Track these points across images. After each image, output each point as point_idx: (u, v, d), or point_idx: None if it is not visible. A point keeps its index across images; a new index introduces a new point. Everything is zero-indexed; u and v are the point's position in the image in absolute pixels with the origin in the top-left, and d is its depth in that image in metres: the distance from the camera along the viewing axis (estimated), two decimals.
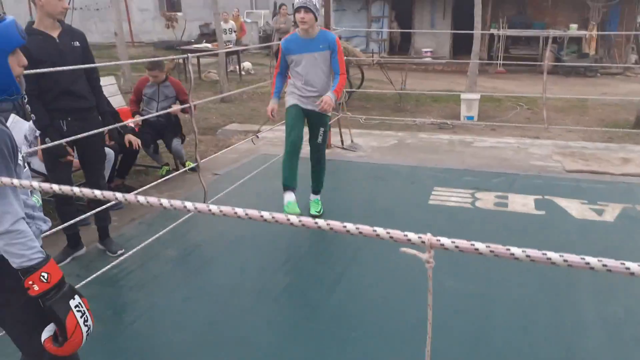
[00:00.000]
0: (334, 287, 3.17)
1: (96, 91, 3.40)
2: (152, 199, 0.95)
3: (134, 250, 3.33)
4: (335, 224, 0.85)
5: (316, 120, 4.03)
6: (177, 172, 4.63)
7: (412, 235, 0.74)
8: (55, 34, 3.10)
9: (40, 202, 1.87)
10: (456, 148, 6.31)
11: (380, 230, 0.77)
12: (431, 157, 5.89)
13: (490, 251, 0.69)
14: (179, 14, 19.59)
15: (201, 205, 0.92)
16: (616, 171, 5.28)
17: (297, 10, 3.70)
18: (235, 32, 13.05)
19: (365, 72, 10.34)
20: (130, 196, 1.04)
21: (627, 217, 4.14)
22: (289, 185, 3.87)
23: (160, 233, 3.53)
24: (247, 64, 13.19)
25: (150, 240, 3.42)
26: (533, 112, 8.70)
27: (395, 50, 16.63)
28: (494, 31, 13.64)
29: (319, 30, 3.91)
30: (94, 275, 2.97)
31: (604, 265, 0.73)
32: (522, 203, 4.46)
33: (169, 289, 3.16)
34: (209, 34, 17.76)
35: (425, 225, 4.04)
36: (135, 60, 4.51)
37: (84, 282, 2.86)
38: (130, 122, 4.66)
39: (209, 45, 12.55)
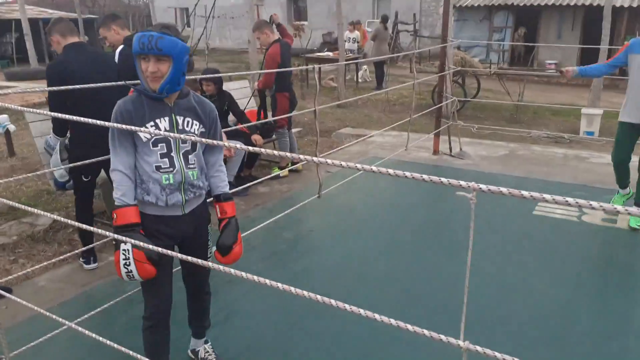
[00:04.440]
0: (432, 278, 3.45)
1: None
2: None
3: (255, 229, 3.84)
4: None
5: None
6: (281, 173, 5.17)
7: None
8: None
9: (171, 181, 2.08)
10: (570, 162, 6.18)
11: None
12: (541, 170, 5.85)
13: None
14: (305, 23, 20.75)
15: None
16: None
17: None
18: (358, 42, 13.58)
19: (482, 82, 10.32)
20: None
21: None
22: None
23: (278, 216, 4.02)
24: (362, 72, 13.67)
25: (269, 222, 3.93)
26: None
27: (517, 61, 16.13)
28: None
29: None
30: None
31: None
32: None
33: (282, 266, 3.67)
34: (330, 42, 18.63)
35: (528, 235, 4.14)
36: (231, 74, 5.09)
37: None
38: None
39: (330, 53, 13.24)
